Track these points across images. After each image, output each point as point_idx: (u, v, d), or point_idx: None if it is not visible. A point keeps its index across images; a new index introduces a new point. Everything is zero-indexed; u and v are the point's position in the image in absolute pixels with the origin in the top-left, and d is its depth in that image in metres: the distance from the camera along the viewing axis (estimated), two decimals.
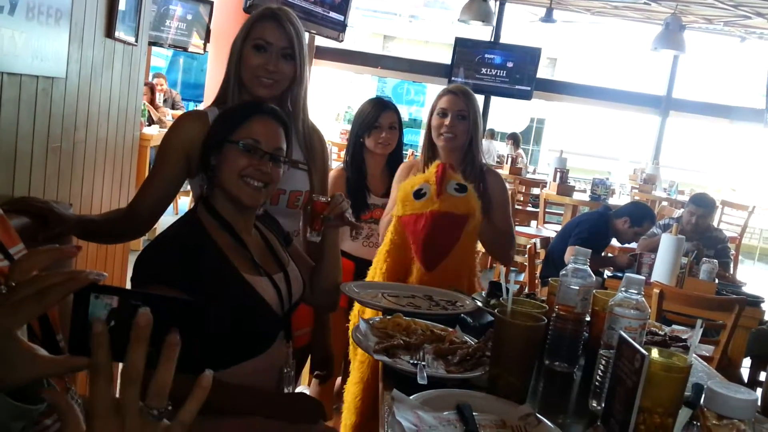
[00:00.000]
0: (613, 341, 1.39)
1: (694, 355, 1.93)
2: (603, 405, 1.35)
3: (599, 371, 1.46)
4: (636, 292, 1.45)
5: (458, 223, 2.18)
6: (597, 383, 1.47)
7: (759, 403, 2.96)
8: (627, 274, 1.47)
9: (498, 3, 10.40)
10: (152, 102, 7.85)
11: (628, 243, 5.04)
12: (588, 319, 1.75)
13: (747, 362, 4.20)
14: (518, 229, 6.38)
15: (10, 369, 0.83)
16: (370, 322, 1.73)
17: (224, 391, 1.65)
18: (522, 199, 7.86)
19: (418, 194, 2.18)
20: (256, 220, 1.89)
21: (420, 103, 18.58)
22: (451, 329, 1.78)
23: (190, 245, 1.70)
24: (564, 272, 1.70)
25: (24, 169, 2.04)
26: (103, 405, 0.76)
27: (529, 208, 7.72)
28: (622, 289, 1.46)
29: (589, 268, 1.69)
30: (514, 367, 1.42)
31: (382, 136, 3.01)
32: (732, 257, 5.82)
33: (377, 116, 3.01)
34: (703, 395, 1.07)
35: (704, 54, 15.57)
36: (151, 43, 8.76)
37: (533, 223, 7.53)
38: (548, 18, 8.23)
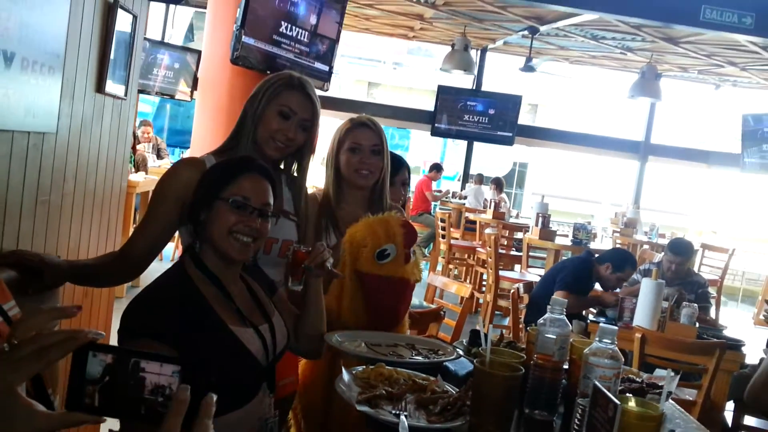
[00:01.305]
0: (588, 390, 1.44)
1: (671, 402, 1.99)
2: None
3: (576, 420, 1.51)
4: (610, 341, 1.50)
5: (412, 290, 2.30)
6: (576, 428, 1.51)
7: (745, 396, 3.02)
8: (601, 325, 1.52)
9: (479, 52, 10.65)
10: (133, 147, 7.92)
11: (612, 289, 5.10)
12: (566, 367, 1.80)
13: (730, 405, 4.23)
14: (502, 273, 6.45)
15: (10, 424, 0.87)
16: (353, 372, 1.77)
17: None
18: (506, 243, 7.94)
19: (382, 255, 2.21)
20: (242, 271, 1.92)
21: (405, 147, 18.79)
22: (433, 378, 1.81)
23: (178, 299, 1.73)
24: (541, 321, 1.75)
25: (13, 221, 2.07)
26: None
27: (513, 253, 7.80)
28: (597, 338, 1.52)
29: (565, 318, 1.74)
30: (493, 416, 1.46)
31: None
32: (712, 301, 5.89)
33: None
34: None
35: (681, 100, 15.93)
36: (139, 91, 8.86)
37: (517, 267, 7.59)
38: (528, 67, 8.44)
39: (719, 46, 7.78)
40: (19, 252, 2.01)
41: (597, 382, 1.37)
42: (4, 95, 1.91)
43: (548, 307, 1.75)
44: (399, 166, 2.97)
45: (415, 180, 11.52)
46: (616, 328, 1.51)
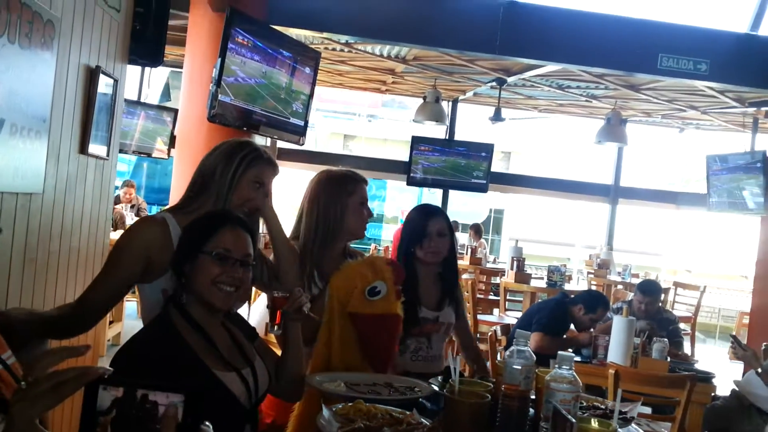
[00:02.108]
0: (550, 413, 1.55)
1: (635, 427, 2.10)
2: None
3: None
4: (568, 367, 1.62)
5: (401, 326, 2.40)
6: None
7: None
8: (560, 353, 1.64)
9: (450, 103, 10.94)
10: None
11: (586, 329, 5.21)
12: (533, 397, 1.90)
13: None
14: (480, 317, 6.55)
15: None
16: (333, 408, 1.85)
17: None
18: (483, 287, 8.07)
19: (373, 292, 2.28)
20: (224, 318, 2.01)
21: (381, 198, 19.01)
22: (409, 413, 1.91)
23: (164, 348, 1.81)
24: (508, 354, 1.86)
25: (2, 279, 2.16)
26: None
27: (491, 297, 7.92)
28: (556, 365, 1.63)
29: (529, 349, 1.85)
30: None
31: (432, 244, 2.82)
32: (683, 336, 6.02)
33: (425, 224, 2.84)
34: None
35: (647, 144, 16.37)
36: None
37: (495, 311, 7.70)
38: (497, 117, 8.70)
39: (679, 91, 8.09)
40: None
41: (556, 404, 1.48)
42: None
43: (513, 339, 1.87)
44: (432, 215, 2.90)
45: (392, 229, 11.68)
46: (573, 355, 1.63)
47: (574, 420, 1.36)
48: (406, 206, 16.34)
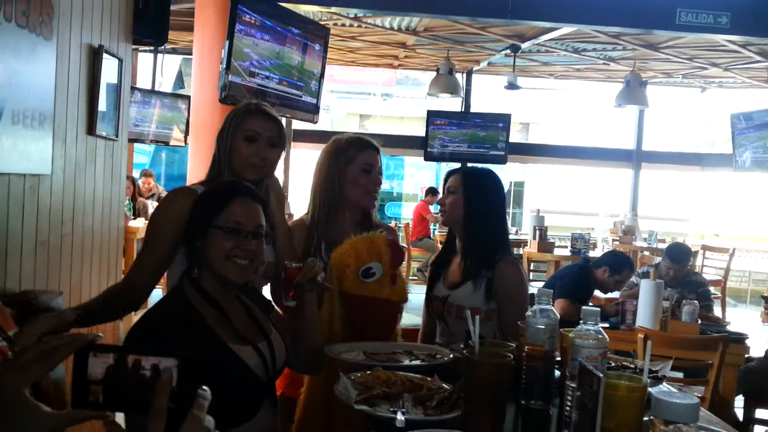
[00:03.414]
0: (576, 370, 1.48)
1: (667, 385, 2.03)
2: None
3: (567, 402, 1.55)
4: (593, 323, 1.55)
5: (399, 312, 2.32)
6: (566, 414, 1.55)
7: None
8: (584, 308, 1.58)
9: (464, 75, 10.81)
10: (134, 195, 8.04)
11: (611, 292, 5.13)
12: (559, 358, 1.84)
13: (741, 400, 4.24)
14: None
15: (20, 424, 0.92)
16: (351, 377, 1.81)
17: None
18: None
19: (367, 273, 2.23)
20: (238, 291, 1.97)
21: (400, 176, 18.92)
22: (429, 378, 1.86)
23: (178, 320, 1.78)
24: (530, 313, 1.80)
25: (15, 262, 2.14)
26: None
27: None
28: (581, 320, 1.57)
29: (552, 308, 1.78)
30: (485, 404, 1.50)
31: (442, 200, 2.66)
32: (713, 299, 5.91)
33: (444, 180, 2.67)
34: (651, 404, 1.16)
35: (669, 106, 16.08)
36: (134, 140, 9.03)
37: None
38: (513, 85, 8.56)
39: (700, 48, 7.90)
40: (30, 295, 2.05)
41: (582, 361, 1.42)
42: None
43: (536, 299, 1.80)
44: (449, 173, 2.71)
45: (411, 206, 11.63)
46: (598, 309, 1.56)
47: (601, 375, 1.29)
48: (425, 183, 16.26)
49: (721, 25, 5.95)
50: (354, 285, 2.25)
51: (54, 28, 2.31)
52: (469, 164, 10.56)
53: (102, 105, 2.76)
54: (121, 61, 2.96)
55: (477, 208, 2.52)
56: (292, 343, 2.06)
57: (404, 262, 2.48)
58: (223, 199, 1.87)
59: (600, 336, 1.55)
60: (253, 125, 2.22)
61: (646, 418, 1.33)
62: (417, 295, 2.65)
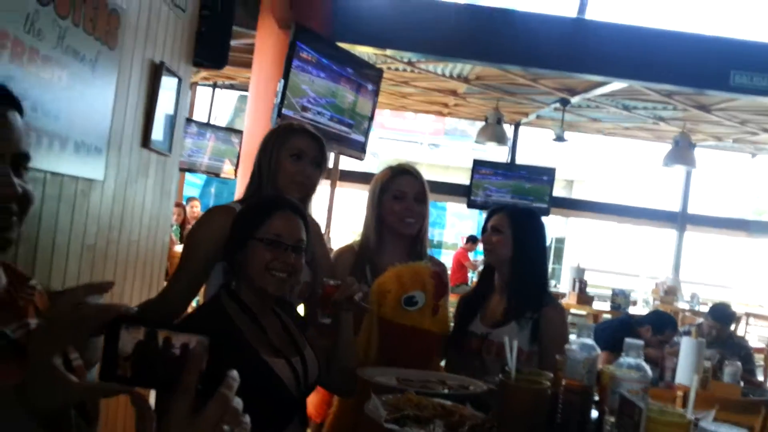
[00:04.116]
0: (616, 405, 1.44)
1: None
2: None
3: None
4: (636, 355, 1.51)
5: (439, 345, 2.30)
6: None
7: None
8: (627, 340, 1.54)
9: (512, 127, 10.84)
10: (183, 222, 8.19)
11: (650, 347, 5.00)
12: (597, 398, 1.79)
13: None
14: None
15: (47, 394, 0.92)
16: (383, 398, 1.78)
17: None
18: None
19: (410, 302, 2.21)
20: (274, 305, 1.97)
21: (442, 225, 18.90)
22: (462, 406, 1.82)
23: (212, 327, 1.78)
24: (569, 346, 1.76)
25: (60, 260, 2.18)
26: (179, 414, 0.84)
27: None
28: (624, 353, 1.53)
29: (593, 341, 1.74)
30: (520, 430, 1.47)
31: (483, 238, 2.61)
32: (755, 365, 5.71)
33: (486, 220, 2.61)
34: None
35: (717, 170, 15.83)
36: (187, 170, 9.25)
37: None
38: (559, 138, 8.55)
39: (752, 112, 7.80)
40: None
41: (623, 392, 1.38)
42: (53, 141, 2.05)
43: (576, 331, 1.77)
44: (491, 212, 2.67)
45: (451, 254, 11.56)
46: (641, 342, 1.52)
47: (643, 406, 1.25)
48: (465, 233, 16.21)
49: None
50: (394, 312, 2.24)
51: (119, 39, 2.40)
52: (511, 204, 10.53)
53: (158, 120, 2.83)
54: (180, 80, 3.05)
55: (525, 247, 2.49)
56: (325, 362, 2.05)
57: (449, 296, 2.44)
58: (264, 212, 1.88)
59: (642, 370, 1.51)
60: (300, 144, 2.25)
61: None
62: None
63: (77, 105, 2.18)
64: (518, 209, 2.63)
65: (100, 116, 2.33)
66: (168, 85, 2.91)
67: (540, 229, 2.57)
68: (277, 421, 1.82)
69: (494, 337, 2.43)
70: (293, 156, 2.24)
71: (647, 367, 1.51)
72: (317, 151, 2.27)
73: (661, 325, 4.84)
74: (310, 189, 2.27)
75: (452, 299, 7.74)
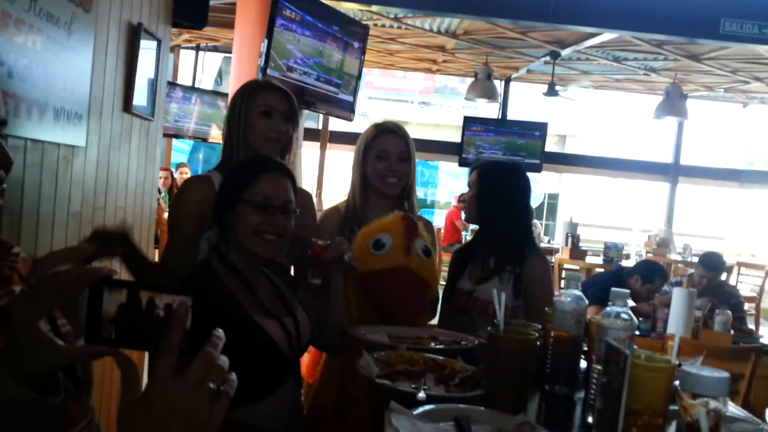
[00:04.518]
0: (602, 353, 1.45)
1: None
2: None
3: (592, 386, 1.51)
4: (622, 304, 1.51)
5: (425, 290, 2.19)
6: (591, 397, 1.51)
7: None
8: (613, 289, 1.54)
9: (503, 82, 10.75)
10: (171, 187, 8.15)
11: (642, 302, 5.05)
12: (585, 348, 1.80)
13: None
14: None
15: (33, 357, 0.92)
16: (375, 355, 1.79)
17: (238, 430, 1.70)
18: None
19: (378, 245, 2.16)
20: (264, 267, 1.96)
21: (434, 184, 18.88)
22: (453, 360, 1.83)
23: (202, 288, 1.78)
24: (558, 297, 1.76)
25: (46, 229, 2.16)
26: (163, 373, 0.83)
27: None
28: (610, 302, 1.53)
29: (581, 293, 1.75)
30: (508, 382, 1.48)
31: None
32: (746, 313, 5.78)
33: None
34: (678, 378, 1.13)
35: (709, 121, 15.80)
36: (174, 135, 9.17)
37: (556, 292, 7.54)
38: (551, 91, 8.49)
39: (743, 60, 7.76)
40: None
41: (609, 340, 1.38)
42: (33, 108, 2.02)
43: (562, 281, 1.77)
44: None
45: (444, 214, 11.57)
46: (627, 291, 1.53)
47: (628, 352, 1.26)
48: (458, 191, 16.22)
49: (765, 36, 5.83)
50: (367, 261, 2.16)
51: (93, 1, 2.34)
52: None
53: (139, 84, 2.79)
54: (159, 42, 2.99)
55: (492, 201, 2.47)
56: (317, 322, 2.05)
57: (437, 244, 2.38)
58: (253, 173, 1.86)
59: (628, 318, 1.51)
60: (268, 100, 2.22)
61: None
62: None
63: (54, 70, 2.13)
64: (489, 163, 2.63)
65: (78, 81, 2.29)
66: (147, 47, 2.86)
67: (511, 179, 2.52)
68: (272, 382, 1.83)
69: (479, 293, 2.44)
70: (263, 113, 2.21)
71: (633, 316, 1.52)
72: (287, 105, 2.24)
73: (650, 275, 4.89)
74: (284, 145, 2.25)
75: (446, 258, 7.74)
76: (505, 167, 2.62)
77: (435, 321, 2.85)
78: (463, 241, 9.97)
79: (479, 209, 2.50)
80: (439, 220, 16.35)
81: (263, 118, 2.21)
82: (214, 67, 14.03)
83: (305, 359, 2.46)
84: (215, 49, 10.85)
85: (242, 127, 2.21)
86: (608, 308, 1.53)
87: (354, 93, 5.91)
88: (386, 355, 1.80)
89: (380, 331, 2.14)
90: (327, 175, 10.55)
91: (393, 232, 2.16)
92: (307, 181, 3.93)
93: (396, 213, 2.27)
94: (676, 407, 1.15)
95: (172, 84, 8.85)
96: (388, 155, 2.43)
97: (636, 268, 5.01)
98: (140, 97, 2.83)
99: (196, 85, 10.38)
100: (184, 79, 10.54)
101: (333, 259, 1.96)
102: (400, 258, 2.13)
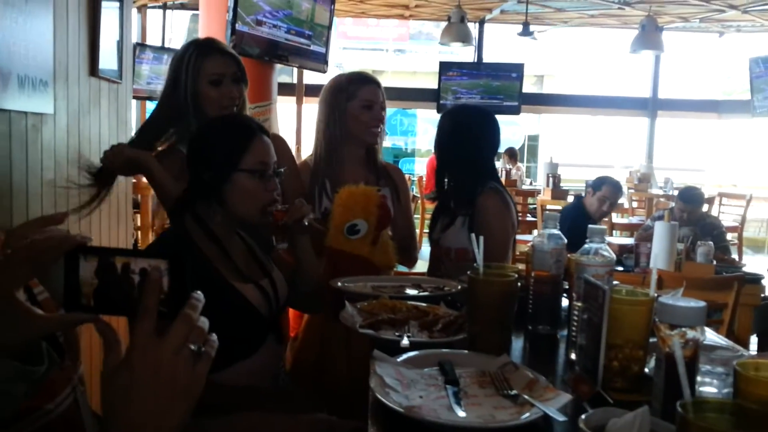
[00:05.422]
0: (581, 290, 1.46)
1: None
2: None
3: (574, 323, 1.53)
4: (599, 240, 1.52)
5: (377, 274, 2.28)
6: (573, 334, 1.53)
7: None
8: (590, 226, 1.55)
9: (477, 25, 10.62)
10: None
11: (601, 217, 5.18)
12: (567, 287, 1.82)
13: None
14: (519, 237, 6.43)
15: (11, 329, 0.91)
16: (357, 305, 1.80)
17: (221, 391, 1.71)
18: (520, 209, 7.94)
19: (352, 230, 2.23)
20: (239, 228, 1.93)
21: (413, 133, 18.78)
22: (436, 306, 1.84)
23: (175, 253, 1.75)
24: (537, 238, 1.77)
25: (20, 200, 2.13)
26: (142, 336, 0.83)
27: (529, 218, 7.80)
28: (588, 239, 1.54)
29: (560, 232, 1.76)
30: (490, 324, 1.49)
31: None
32: (729, 243, 5.86)
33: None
34: (655, 310, 1.14)
35: (685, 53, 15.76)
36: (147, 98, 8.99)
37: (535, 231, 7.60)
38: (526, 31, 8.40)
39: None
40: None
41: (588, 276, 1.39)
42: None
43: (543, 222, 1.78)
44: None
45: (425, 162, 11.55)
46: (605, 228, 1.53)
47: (606, 287, 1.27)
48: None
49: None
50: (337, 240, 2.25)
51: None
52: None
53: (104, 46, 2.72)
54: (122, 1, 2.91)
55: (446, 145, 2.50)
56: (292, 282, 2.03)
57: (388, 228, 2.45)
58: (244, 140, 1.81)
59: (606, 253, 1.52)
60: (215, 68, 2.16)
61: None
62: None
63: (14, 36, 2.07)
64: (448, 108, 2.63)
65: (40, 47, 2.23)
66: (110, 6, 2.78)
67: (465, 121, 2.51)
68: (252, 343, 1.82)
69: (443, 242, 2.48)
70: (212, 83, 2.16)
71: (611, 251, 1.53)
72: (235, 68, 2.20)
73: (599, 183, 5.10)
74: (239, 106, 2.22)
75: (429, 206, 7.75)
76: (463, 109, 2.66)
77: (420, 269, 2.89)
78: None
79: (437, 154, 2.57)
80: (420, 168, 16.34)
81: (213, 87, 2.16)
82: (183, 25, 13.74)
83: (289, 313, 2.48)
84: (183, 6, 10.60)
85: (190, 100, 2.16)
86: (586, 245, 1.54)
87: (326, 44, 5.82)
88: (369, 304, 1.81)
89: (362, 281, 2.15)
90: (305, 130, 10.45)
91: (369, 221, 2.24)
92: (284, 136, 3.88)
93: (376, 194, 2.29)
94: (656, 339, 1.16)
95: (142, 45, 8.65)
96: (373, 105, 2.44)
97: (588, 184, 5.19)
98: (107, 60, 2.76)
99: (166, 45, 10.16)
100: (153, 39, 10.31)
101: (293, 223, 1.89)
102: (365, 248, 2.26)
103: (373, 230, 2.25)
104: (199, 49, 2.18)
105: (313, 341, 2.28)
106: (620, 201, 8.59)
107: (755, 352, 4.15)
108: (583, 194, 5.32)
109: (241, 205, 1.80)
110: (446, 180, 2.56)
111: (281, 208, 1.92)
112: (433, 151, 11.61)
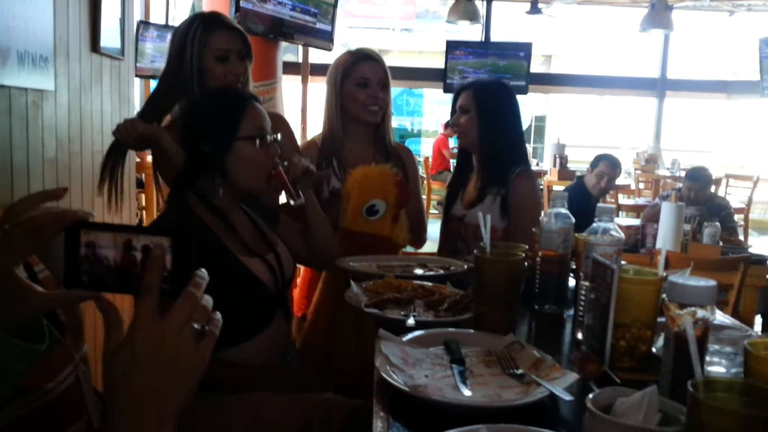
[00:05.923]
0: (589, 269, 1.44)
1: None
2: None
3: (581, 303, 1.51)
4: (608, 219, 1.50)
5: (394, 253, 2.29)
6: (580, 314, 1.51)
7: None
8: (599, 205, 1.52)
9: (484, 3, 10.51)
10: None
11: (600, 194, 5.20)
12: (574, 266, 1.80)
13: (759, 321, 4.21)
14: None
15: (10, 306, 0.90)
16: (363, 284, 1.78)
17: (230, 369, 1.70)
18: None
19: (371, 211, 2.21)
20: (242, 203, 1.92)
21: (419, 113, 18.68)
22: (441, 285, 1.83)
23: (179, 230, 1.74)
24: (545, 217, 1.75)
25: (21, 177, 2.12)
26: (144, 315, 0.81)
27: None
28: (596, 218, 1.51)
29: (567, 211, 1.73)
30: (496, 303, 1.47)
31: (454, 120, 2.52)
32: (736, 224, 5.82)
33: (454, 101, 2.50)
34: (665, 290, 1.12)
35: (695, 33, 15.59)
36: (152, 77, 8.92)
37: (542, 212, 7.57)
38: (534, 9, 8.31)
39: None
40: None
41: (596, 255, 1.37)
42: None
43: (550, 202, 1.75)
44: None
45: (431, 142, 11.48)
46: (613, 206, 1.51)
47: (615, 266, 1.25)
48: (445, 118, 16.09)
49: None
50: (353, 221, 2.24)
51: None
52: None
53: (106, 22, 2.69)
54: None
55: (494, 124, 2.41)
56: (304, 241, 2.04)
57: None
58: (239, 109, 1.80)
59: (614, 232, 1.50)
60: (222, 44, 2.14)
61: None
62: (436, 228, 2.66)
63: (13, 12, 2.04)
64: (483, 84, 2.55)
65: (41, 22, 2.20)
66: None
67: (507, 101, 2.47)
68: (261, 319, 1.82)
69: (469, 218, 2.43)
70: (218, 58, 2.13)
71: (619, 230, 1.50)
72: (241, 44, 2.18)
73: (597, 160, 5.22)
74: (243, 83, 2.20)
75: (435, 186, 7.76)
76: (502, 88, 2.53)
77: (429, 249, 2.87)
78: (452, 168, 9.94)
79: (480, 134, 2.42)
80: (426, 148, 16.28)
81: (219, 64, 2.14)
82: (188, 4, 13.65)
83: (294, 293, 2.47)
84: None
85: (195, 74, 2.13)
86: (594, 224, 1.52)
87: (332, 22, 5.77)
88: (375, 284, 1.80)
89: (368, 260, 2.14)
90: (310, 109, 10.39)
91: (388, 201, 2.22)
92: (289, 116, 3.87)
93: (391, 172, 2.28)
94: (664, 319, 1.14)
95: (146, 23, 8.58)
96: (369, 82, 2.39)
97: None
98: (108, 36, 2.73)
99: (170, 23, 10.09)
100: (157, 17, 10.23)
101: (299, 174, 1.91)
102: (386, 228, 2.25)
103: (392, 209, 2.24)
104: (204, 23, 2.14)
105: (322, 322, 2.27)
106: (627, 182, 8.58)
107: (760, 333, 4.14)
108: (582, 177, 5.36)
109: (246, 175, 1.78)
110: (483, 156, 2.46)
111: (281, 168, 1.90)
112: (440, 131, 11.56)
